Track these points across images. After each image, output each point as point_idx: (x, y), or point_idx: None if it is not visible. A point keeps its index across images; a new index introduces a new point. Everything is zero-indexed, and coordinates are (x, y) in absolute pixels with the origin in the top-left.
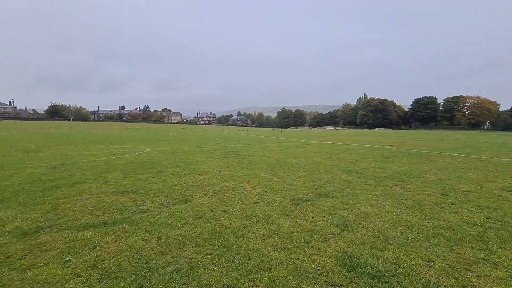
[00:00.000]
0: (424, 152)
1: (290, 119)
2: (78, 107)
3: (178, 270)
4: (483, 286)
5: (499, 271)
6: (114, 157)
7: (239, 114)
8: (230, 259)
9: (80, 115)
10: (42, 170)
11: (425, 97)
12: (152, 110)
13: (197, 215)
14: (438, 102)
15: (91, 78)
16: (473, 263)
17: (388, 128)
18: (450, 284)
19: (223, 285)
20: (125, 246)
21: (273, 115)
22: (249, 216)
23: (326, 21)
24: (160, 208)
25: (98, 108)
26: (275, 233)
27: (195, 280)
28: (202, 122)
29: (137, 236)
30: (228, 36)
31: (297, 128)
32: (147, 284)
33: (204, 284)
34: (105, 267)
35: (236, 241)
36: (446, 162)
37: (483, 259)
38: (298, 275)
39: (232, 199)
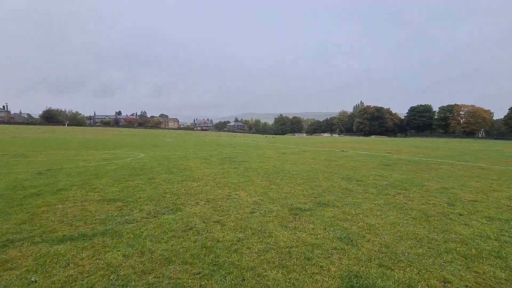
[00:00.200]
0: (423, 160)
1: (287, 125)
2: (74, 112)
3: None
4: None
5: None
6: (105, 162)
7: (236, 120)
8: (220, 280)
9: (76, 120)
10: (27, 176)
11: (421, 105)
12: (149, 116)
13: (187, 226)
14: (433, 110)
15: (87, 82)
16: (495, 284)
17: (384, 135)
18: None
19: None
20: (102, 264)
21: (270, 121)
22: (243, 227)
23: (325, 22)
24: (147, 218)
25: (94, 113)
26: (272, 248)
27: None
28: (199, 128)
29: (118, 251)
30: (228, 36)
31: (294, 135)
32: None
33: None
34: None
35: (228, 258)
36: (447, 170)
37: (505, 279)
38: None
39: (226, 208)
